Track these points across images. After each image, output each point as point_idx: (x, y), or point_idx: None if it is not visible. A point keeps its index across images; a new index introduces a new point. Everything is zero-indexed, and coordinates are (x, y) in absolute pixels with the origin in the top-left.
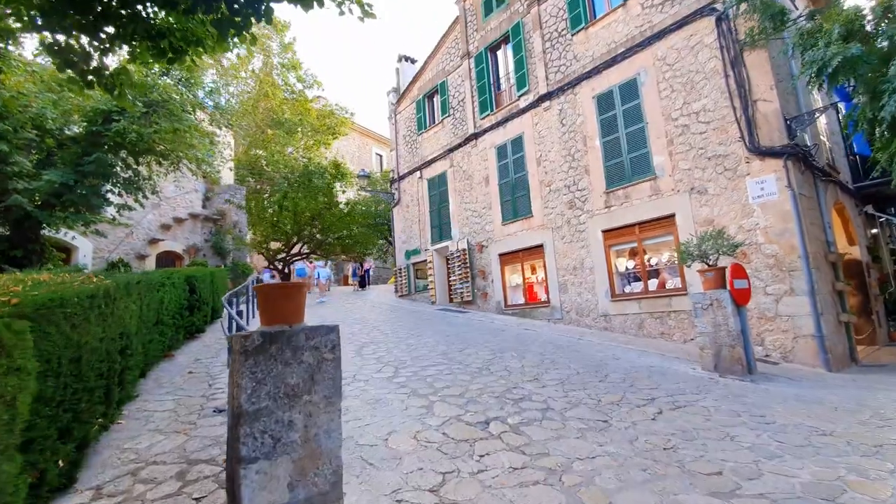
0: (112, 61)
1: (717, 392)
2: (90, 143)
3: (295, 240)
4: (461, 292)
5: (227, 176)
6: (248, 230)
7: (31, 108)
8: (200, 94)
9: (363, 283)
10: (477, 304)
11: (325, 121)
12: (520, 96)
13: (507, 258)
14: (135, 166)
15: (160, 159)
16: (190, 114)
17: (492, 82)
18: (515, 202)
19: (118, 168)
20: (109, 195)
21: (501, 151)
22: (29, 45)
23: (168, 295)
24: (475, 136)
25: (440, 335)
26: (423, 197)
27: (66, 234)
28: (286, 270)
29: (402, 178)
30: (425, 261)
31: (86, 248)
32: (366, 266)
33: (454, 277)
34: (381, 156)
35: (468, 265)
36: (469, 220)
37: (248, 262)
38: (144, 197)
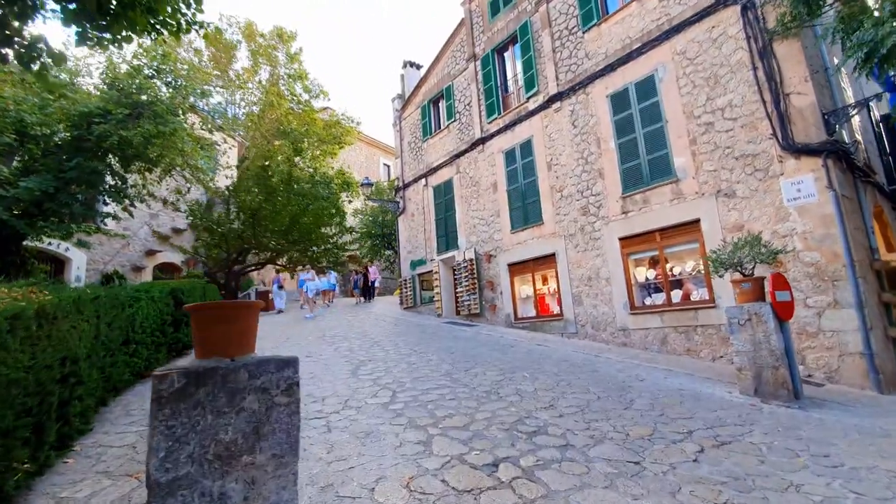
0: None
1: (765, 423)
2: (74, 148)
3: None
4: (468, 304)
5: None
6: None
7: (10, 111)
8: (194, 99)
9: (367, 295)
10: (485, 317)
11: (331, 130)
12: (528, 98)
13: (516, 268)
14: (121, 173)
15: (150, 166)
16: (178, 116)
17: (499, 84)
18: (525, 209)
19: (105, 175)
20: (98, 204)
21: (510, 156)
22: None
23: (144, 311)
24: (482, 140)
25: (445, 352)
26: (428, 205)
27: (59, 246)
28: (234, 284)
29: (407, 186)
30: (431, 271)
31: (80, 260)
32: (371, 276)
33: (461, 289)
34: (388, 166)
35: (476, 276)
36: (476, 228)
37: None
38: (132, 205)
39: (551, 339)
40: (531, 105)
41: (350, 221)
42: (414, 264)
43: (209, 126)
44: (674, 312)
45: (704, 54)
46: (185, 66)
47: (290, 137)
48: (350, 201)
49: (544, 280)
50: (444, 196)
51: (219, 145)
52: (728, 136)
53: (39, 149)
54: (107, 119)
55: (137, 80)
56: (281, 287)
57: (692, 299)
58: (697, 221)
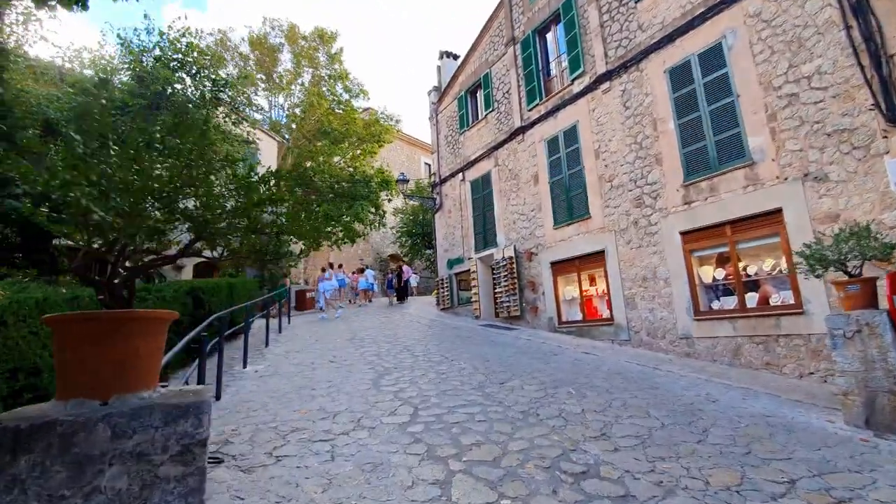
0: None
1: (889, 469)
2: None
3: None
4: (508, 306)
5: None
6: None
7: (34, 105)
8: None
9: (402, 295)
10: (526, 320)
11: (371, 129)
12: (573, 80)
13: (560, 267)
14: None
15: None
16: (201, 108)
17: (540, 68)
18: (570, 202)
19: None
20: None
21: (552, 145)
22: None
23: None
24: (522, 129)
25: (479, 360)
26: (465, 200)
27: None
28: (124, 286)
29: (443, 181)
30: (468, 271)
31: None
32: (405, 275)
33: (500, 289)
34: (429, 165)
35: (515, 275)
36: (516, 224)
37: (286, 270)
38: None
39: (600, 347)
40: (576, 87)
41: (390, 221)
42: (451, 263)
43: (235, 120)
44: (749, 319)
45: (784, 14)
46: (209, 57)
47: (330, 137)
48: (389, 199)
49: (592, 280)
50: (481, 191)
51: (253, 142)
52: (817, 108)
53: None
54: (124, 112)
55: (160, 73)
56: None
57: (772, 304)
58: (779, 211)
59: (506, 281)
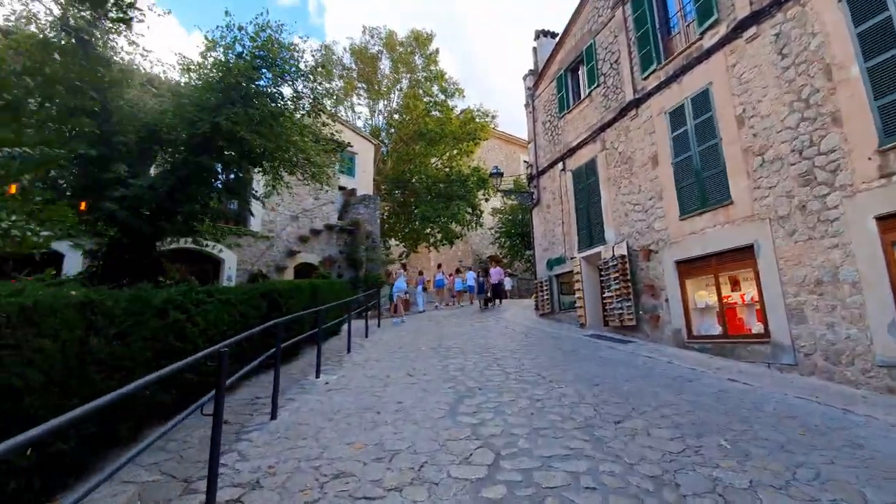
0: None
1: None
2: (188, 145)
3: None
4: (620, 314)
5: (365, 185)
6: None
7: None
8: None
9: (489, 299)
10: (643, 331)
11: (466, 127)
12: (703, 32)
13: (689, 267)
14: (236, 169)
15: (259, 160)
16: (276, 102)
17: (657, 26)
18: (701, 186)
19: (216, 171)
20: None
21: (676, 117)
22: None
23: (211, 315)
24: (635, 103)
25: (585, 383)
26: (566, 193)
27: (214, 248)
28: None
29: (541, 173)
30: (571, 272)
31: (231, 261)
32: (494, 277)
33: (609, 293)
34: (528, 163)
35: (629, 277)
36: (629, 216)
37: (380, 273)
38: (246, 202)
39: (751, 373)
40: (707, 41)
41: (488, 221)
42: (551, 263)
43: (322, 122)
44: None
45: None
46: (288, 53)
47: (426, 139)
48: (486, 199)
49: (735, 284)
50: (585, 180)
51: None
52: None
53: (164, 149)
54: (199, 108)
55: (238, 66)
56: (425, 289)
57: None
58: None
59: (617, 284)
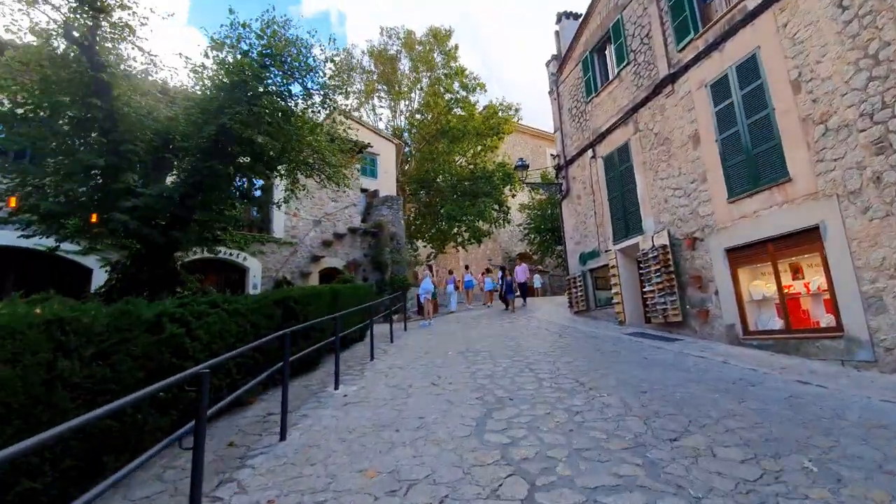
0: None
1: None
2: (200, 150)
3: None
4: (664, 309)
5: (388, 187)
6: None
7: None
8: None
9: (523, 297)
10: (691, 327)
11: (489, 122)
12: None
13: (741, 255)
14: (249, 174)
15: (282, 164)
16: (285, 101)
17: None
18: (753, 163)
19: (229, 176)
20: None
21: (719, 89)
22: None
23: (214, 328)
24: (671, 78)
25: (631, 390)
26: (598, 182)
27: (238, 256)
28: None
29: (569, 162)
30: (606, 265)
31: (255, 269)
32: (520, 275)
33: (650, 287)
34: (555, 155)
35: (672, 269)
36: (669, 202)
37: (406, 275)
38: (260, 209)
39: (823, 373)
40: (751, 1)
41: (516, 218)
42: (584, 258)
43: (340, 121)
44: None
45: None
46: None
47: (448, 136)
48: (513, 195)
49: (796, 272)
50: (618, 167)
51: (370, 146)
52: None
53: (178, 157)
54: (204, 111)
55: (241, 62)
56: (456, 288)
57: None
58: None
59: (658, 277)
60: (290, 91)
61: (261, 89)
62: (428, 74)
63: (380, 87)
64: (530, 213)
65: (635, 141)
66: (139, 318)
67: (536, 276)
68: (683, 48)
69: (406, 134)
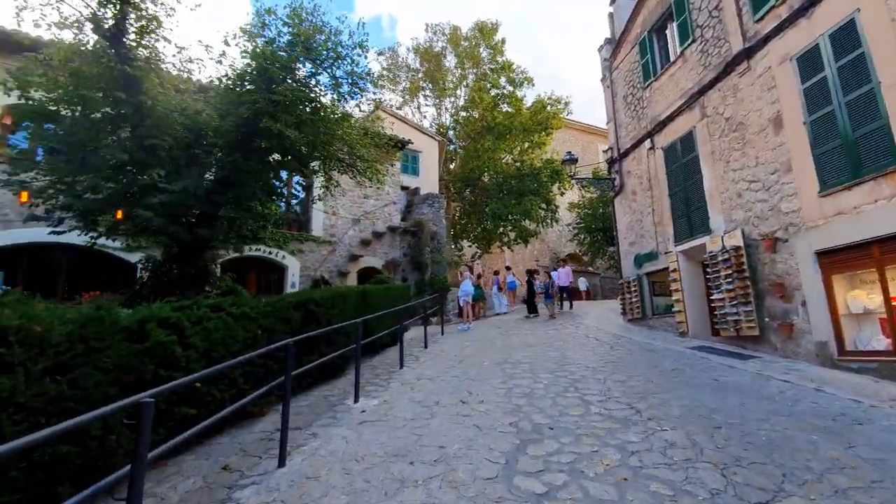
0: None
1: None
2: (229, 146)
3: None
4: (735, 321)
5: (430, 184)
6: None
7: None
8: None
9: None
10: (770, 343)
11: (537, 117)
12: None
13: (836, 259)
14: (279, 169)
15: (315, 159)
16: (308, 90)
17: None
18: (852, 148)
19: (256, 171)
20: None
21: (808, 62)
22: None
23: (214, 334)
24: (746, 53)
25: (701, 424)
26: (656, 176)
27: (277, 254)
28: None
29: (623, 155)
30: (666, 269)
31: (294, 267)
32: (562, 278)
33: (719, 295)
34: (606, 150)
35: (747, 275)
36: (743, 197)
37: (447, 276)
38: (288, 205)
39: None
40: None
41: (566, 217)
42: (639, 260)
43: (375, 116)
44: None
45: None
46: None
47: (494, 133)
48: (562, 193)
49: None
50: (680, 158)
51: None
52: None
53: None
54: (228, 101)
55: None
56: (500, 289)
57: None
58: None
59: (730, 283)
60: (317, 81)
61: (287, 79)
62: (474, 70)
63: (424, 85)
64: (580, 212)
65: (702, 128)
66: (114, 325)
67: (581, 279)
68: (762, 18)
69: (451, 132)
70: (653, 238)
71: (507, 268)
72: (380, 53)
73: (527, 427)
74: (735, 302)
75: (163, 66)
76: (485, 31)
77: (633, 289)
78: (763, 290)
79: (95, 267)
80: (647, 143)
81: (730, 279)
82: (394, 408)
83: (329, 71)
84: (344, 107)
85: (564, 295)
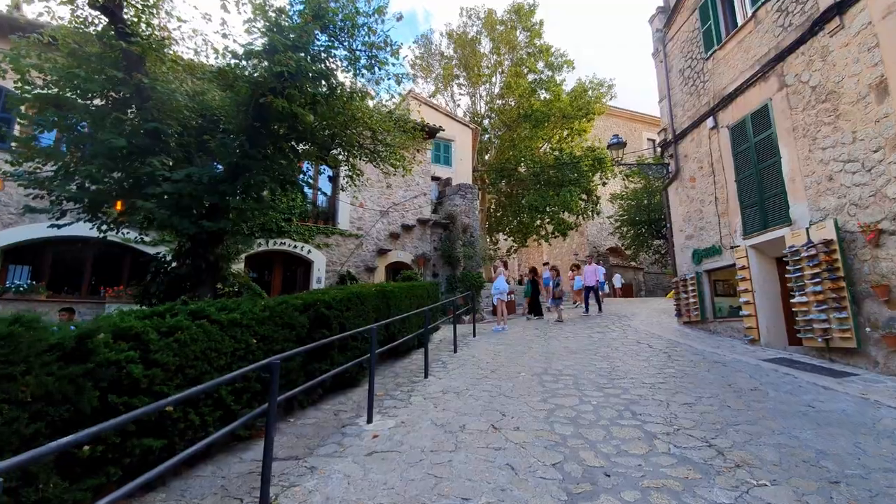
0: None
1: None
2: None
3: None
4: (824, 329)
5: (463, 174)
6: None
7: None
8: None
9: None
10: (869, 357)
11: (577, 102)
12: None
13: None
14: (292, 156)
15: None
16: (324, 64)
17: None
18: None
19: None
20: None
21: None
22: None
23: (199, 346)
24: (838, 7)
25: (808, 474)
26: (720, 158)
27: (302, 249)
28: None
29: (679, 137)
30: (732, 266)
31: (320, 262)
32: (588, 277)
33: (802, 297)
34: (653, 141)
35: (840, 273)
36: (835, 180)
37: (481, 271)
38: (302, 192)
39: None
40: None
41: (607, 209)
42: (699, 255)
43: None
44: None
45: None
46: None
47: (531, 120)
48: (604, 183)
49: None
50: (750, 137)
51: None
52: None
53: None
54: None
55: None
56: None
57: None
58: None
59: (816, 283)
60: (331, 54)
61: (299, 52)
62: (510, 56)
63: (458, 73)
64: (623, 204)
65: (780, 100)
66: (37, 344)
67: (616, 276)
68: None
69: (486, 121)
70: (715, 230)
71: (545, 263)
72: (414, 42)
73: (575, 472)
74: (823, 307)
75: (169, 44)
76: (521, 13)
77: (689, 288)
78: (861, 292)
79: (121, 261)
80: (709, 122)
81: (817, 279)
82: (412, 432)
83: (346, 43)
84: (364, 84)
85: (591, 295)
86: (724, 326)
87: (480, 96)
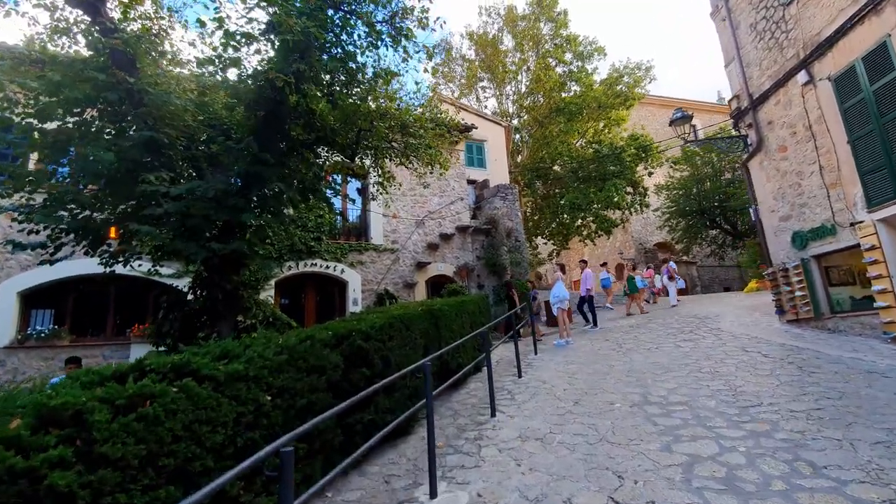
0: None
1: None
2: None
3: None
4: None
5: (499, 175)
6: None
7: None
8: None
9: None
10: None
11: (613, 89)
12: None
13: None
14: (312, 160)
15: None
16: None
17: None
18: None
19: (283, 162)
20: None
21: None
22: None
23: (179, 421)
24: None
25: None
26: (821, 118)
27: (335, 268)
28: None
29: (757, 103)
30: (854, 247)
31: (355, 282)
32: (587, 282)
33: None
34: (695, 126)
35: None
36: None
37: (529, 278)
38: (327, 202)
39: None
40: None
41: (652, 203)
42: (801, 238)
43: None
44: None
45: None
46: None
47: (564, 114)
48: (650, 173)
49: None
50: (865, 86)
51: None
52: None
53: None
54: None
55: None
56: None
57: None
58: None
59: None
60: (349, 33)
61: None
62: (535, 51)
63: (482, 75)
64: (670, 194)
65: None
66: None
67: (678, 280)
68: None
69: (516, 120)
70: (823, 206)
71: (603, 264)
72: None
73: None
74: None
75: (162, 39)
76: (544, 4)
77: (794, 279)
78: None
79: (147, 297)
80: (801, 77)
81: None
82: None
83: (366, 19)
84: (388, 67)
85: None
86: (848, 323)
87: (507, 95)
